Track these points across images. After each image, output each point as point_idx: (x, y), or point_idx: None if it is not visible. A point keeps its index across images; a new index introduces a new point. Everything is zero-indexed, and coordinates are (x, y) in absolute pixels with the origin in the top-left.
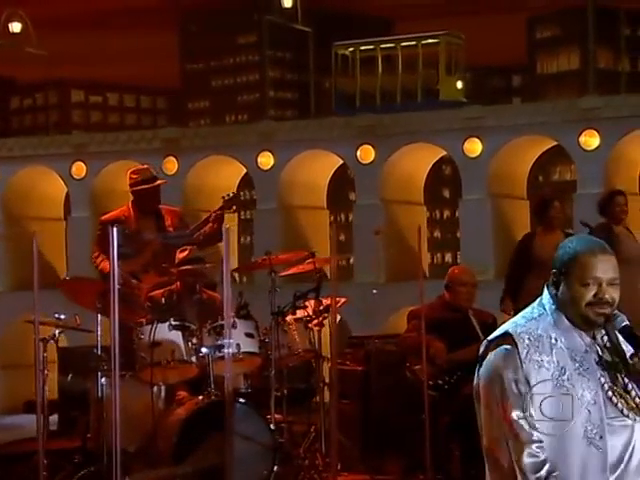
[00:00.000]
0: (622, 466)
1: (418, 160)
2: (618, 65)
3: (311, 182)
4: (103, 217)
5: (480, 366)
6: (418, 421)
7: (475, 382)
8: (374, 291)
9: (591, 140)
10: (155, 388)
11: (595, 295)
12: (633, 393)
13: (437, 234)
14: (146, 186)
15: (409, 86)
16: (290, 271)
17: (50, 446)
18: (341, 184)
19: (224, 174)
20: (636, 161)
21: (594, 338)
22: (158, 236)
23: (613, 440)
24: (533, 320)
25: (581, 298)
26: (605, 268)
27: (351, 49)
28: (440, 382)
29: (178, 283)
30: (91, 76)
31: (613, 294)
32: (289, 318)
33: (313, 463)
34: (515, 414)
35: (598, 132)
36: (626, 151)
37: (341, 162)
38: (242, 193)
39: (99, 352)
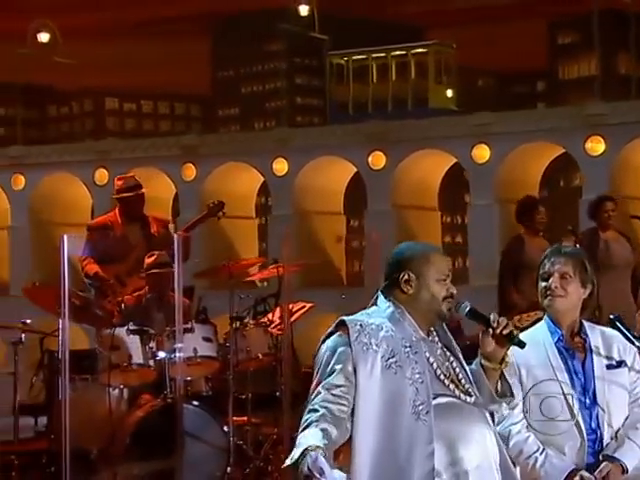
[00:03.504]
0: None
1: (430, 166)
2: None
3: (327, 188)
4: (90, 223)
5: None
6: None
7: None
8: (342, 296)
9: (597, 146)
10: (117, 391)
11: (447, 290)
12: (463, 381)
13: (458, 239)
14: (129, 194)
15: (400, 94)
16: (254, 277)
17: (30, 447)
18: (362, 189)
19: (242, 180)
20: None
21: (428, 335)
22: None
23: (449, 416)
24: (366, 315)
25: (439, 294)
26: (450, 266)
27: (345, 58)
28: None
29: (146, 288)
30: (125, 84)
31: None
32: (249, 323)
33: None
34: (327, 384)
35: (604, 138)
36: (632, 157)
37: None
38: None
39: (59, 356)
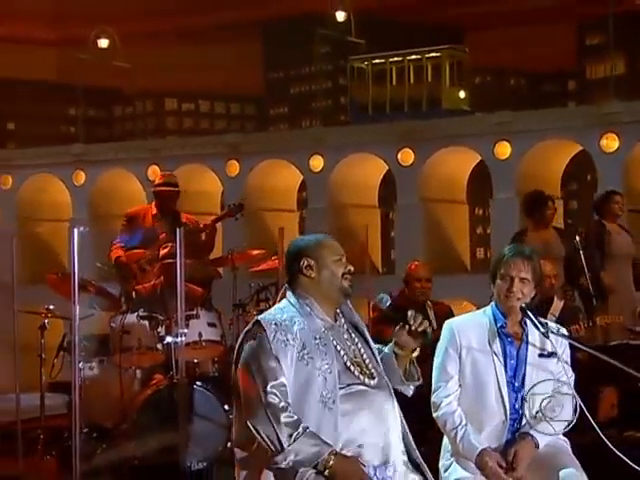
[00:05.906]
0: (375, 434)
1: (457, 162)
2: None
3: (361, 182)
4: (127, 211)
5: (237, 356)
6: None
7: (233, 371)
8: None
9: (611, 143)
10: (130, 371)
11: (345, 267)
12: (367, 361)
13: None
14: (164, 188)
15: (416, 96)
16: (259, 267)
17: (55, 423)
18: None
19: (283, 176)
20: None
21: (336, 320)
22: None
23: (356, 403)
24: (279, 310)
25: (337, 272)
26: (341, 248)
27: (365, 63)
28: None
29: (162, 277)
30: (184, 85)
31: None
32: (250, 309)
33: None
34: (270, 385)
35: (618, 136)
36: None
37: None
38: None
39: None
